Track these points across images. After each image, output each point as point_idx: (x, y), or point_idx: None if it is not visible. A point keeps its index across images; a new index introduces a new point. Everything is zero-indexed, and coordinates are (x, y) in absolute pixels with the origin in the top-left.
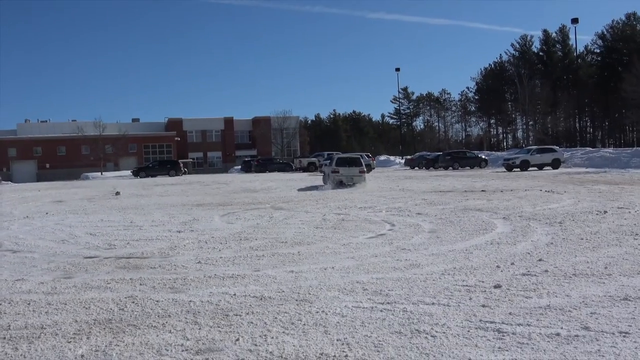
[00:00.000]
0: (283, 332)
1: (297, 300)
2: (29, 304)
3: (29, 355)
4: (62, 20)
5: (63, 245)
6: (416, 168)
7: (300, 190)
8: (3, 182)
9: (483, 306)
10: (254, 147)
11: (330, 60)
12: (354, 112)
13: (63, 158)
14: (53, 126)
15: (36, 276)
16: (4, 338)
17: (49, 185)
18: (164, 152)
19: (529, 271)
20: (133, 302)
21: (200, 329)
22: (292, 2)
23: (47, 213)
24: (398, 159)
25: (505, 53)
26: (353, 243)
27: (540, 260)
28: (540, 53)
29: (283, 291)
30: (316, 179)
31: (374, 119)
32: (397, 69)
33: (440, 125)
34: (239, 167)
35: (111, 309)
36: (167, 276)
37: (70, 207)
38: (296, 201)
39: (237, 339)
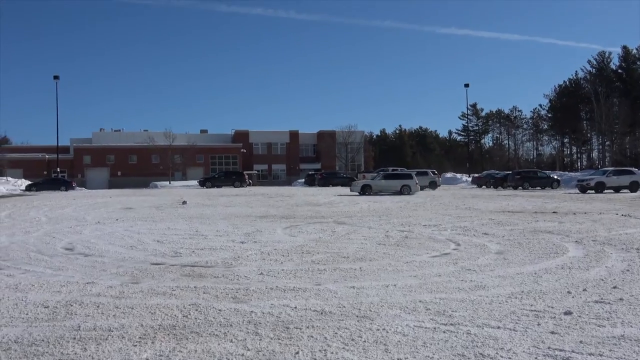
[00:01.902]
0: (343, 348)
1: (357, 316)
2: (98, 306)
3: (96, 356)
4: (138, 28)
5: (131, 251)
6: (484, 187)
7: (363, 205)
8: (77, 188)
9: (552, 333)
10: (318, 161)
11: (398, 75)
12: (420, 127)
13: (134, 166)
14: (126, 135)
15: (105, 280)
16: (74, 338)
17: (120, 192)
18: (230, 164)
19: (602, 298)
20: (196, 310)
21: (260, 340)
22: (361, 17)
23: (117, 219)
24: (465, 177)
25: (582, 70)
26: (416, 261)
27: (614, 287)
28: (619, 70)
29: (344, 306)
30: (381, 195)
31: (440, 135)
32: (466, 85)
33: (510, 143)
34: (303, 180)
35: (175, 315)
36: (230, 286)
37: (139, 215)
38: (359, 216)
39: (297, 352)
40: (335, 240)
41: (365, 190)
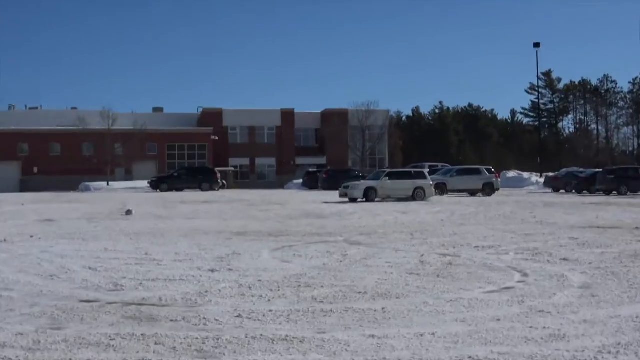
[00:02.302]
0: None
1: None
2: None
3: None
4: None
5: (52, 282)
6: (562, 191)
7: (387, 217)
8: None
9: None
10: (322, 153)
11: (435, 31)
12: (469, 106)
13: (57, 160)
14: (46, 115)
15: (13, 324)
16: None
17: (37, 197)
18: (195, 156)
19: None
20: None
21: None
22: None
23: (31, 236)
24: (534, 177)
25: None
26: (464, 299)
27: None
28: None
29: None
30: (411, 202)
31: (499, 117)
32: (537, 45)
33: (599, 128)
34: (300, 180)
35: None
36: (194, 334)
37: (64, 230)
38: (381, 233)
39: None
40: (347, 267)
41: (369, 195)
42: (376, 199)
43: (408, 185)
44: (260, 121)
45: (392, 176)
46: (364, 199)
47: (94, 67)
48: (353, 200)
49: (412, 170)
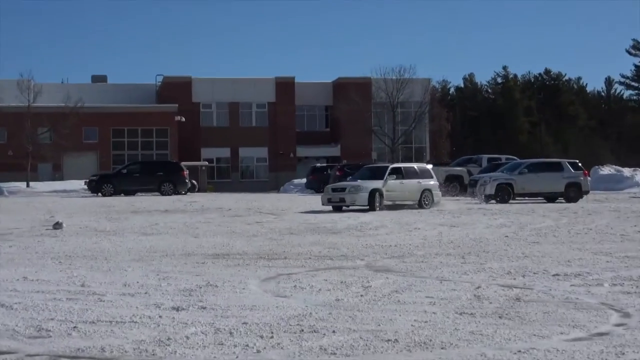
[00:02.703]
0: None
1: None
2: None
3: None
4: None
5: None
6: None
7: (428, 231)
8: None
9: None
10: (335, 141)
11: None
12: (546, 73)
13: None
14: None
15: None
16: None
17: None
18: (153, 146)
19: None
20: None
21: None
22: None
23: None
24: (639, 174)
25: None
26: (539, 350)
27: None
28: None
29: None
30: (464, 208)
31: (588, 89)
32: None
33: None
34: (303, 180)
35: None
36: None
37: None
38: (419, 255)
39: None
40: (371, 305)
41: (374, 202)
42: (382, 206)
43: (413, 187)
44: (247, 95)
45: (397, 173)
46: (367, 207)
47: (7, 21)
48: (337, 208)
49: (416, 165)
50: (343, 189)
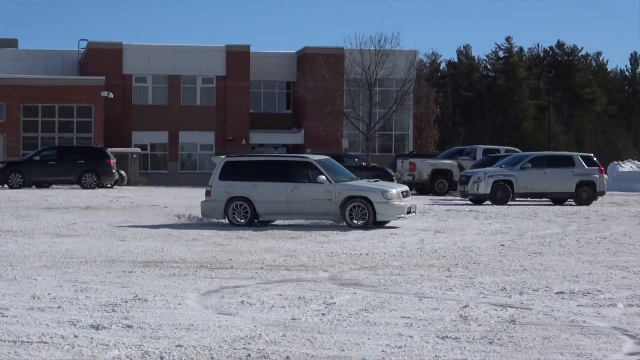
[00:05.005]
0: None
1: None
2: None
3: None
4: None
5: None
6: None
7: (407, 238)
8: None
9: None
10: (298, 126)
11: None
12: (558, 46)
13: None
14: None
15: None
16: None
17: None
18: (74, 128)
19: None
20: None
21: None
22: None
23: None
24: None
25: None
26: None
27: None
28: None
29: None
30: (453, 210)
31: (610, 67)
32: None
33: None
34: None
35: None
36: None
37: None
38: (396, 266)
39: None
40: (334, 326)
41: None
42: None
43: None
44: (191, 67)
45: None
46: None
47: None
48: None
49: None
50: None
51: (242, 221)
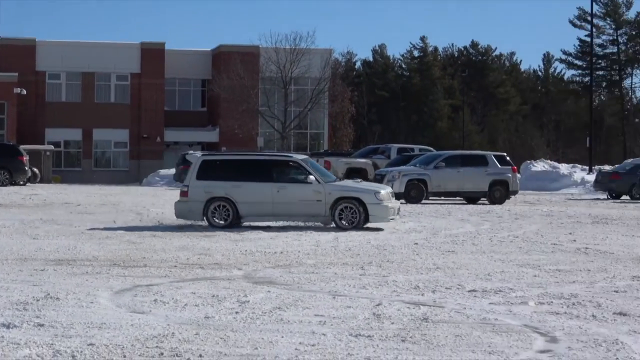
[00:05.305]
0: None
1: None
2: None
3: None
4: None
5: None
6: (625, 196)
7: (324, 235)
8: None
9: None
10: (213, 124)
11: None
12: (472, 46)
13: None
14: None
15: None
16: None
17: None
18: None
19: None
20: None
21: None
22: None
23: None
24: (579, 172)
25: None
26: None
27: None
28: None
29: None
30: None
31: (523, 67)
32: None
33: None
34: (172, 171)
35: None
36: None
37: None
38: (309, 264)
39: None
40: (247, 324)
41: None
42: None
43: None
44: (105, 64)
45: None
46: None
47: None
48: None
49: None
50: None
51: (221, 222)
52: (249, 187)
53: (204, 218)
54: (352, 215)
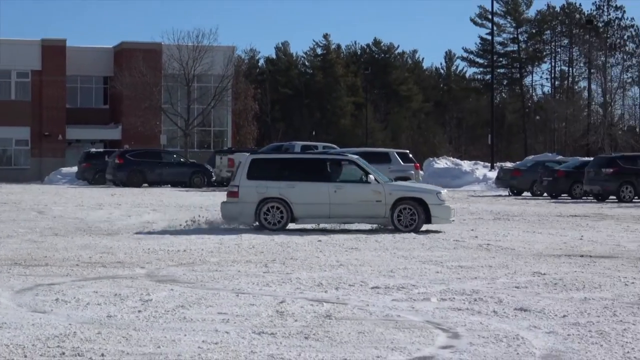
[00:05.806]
0: None
1: None
2: None
3: None
4: None
5: None
6: (526, 193)
7: (227, 233)
8: None
9: None
10: (115, 121)
11: None
12: (375, 43)
13: None
14: None
15: None
16: None
17: None
18: None
19: None
20: None
21: None
22: None
23: None
24: (481, 168)
25: None
26: None
27: None
28: None
29: None
30: None
31: (425, 65)
32: None
33: (594, 87)
34: (75, 169)
35: None
36: None
37: None
38: (213, 262)
39: None
40: (150, 322)
41: None
42: None
43: None
44: (4, 61)
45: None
46: None
47: None
48: None
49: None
50: None
51: (275, 225)
52: (304, 187)
53: (257, 220)
54: (411, 216)
